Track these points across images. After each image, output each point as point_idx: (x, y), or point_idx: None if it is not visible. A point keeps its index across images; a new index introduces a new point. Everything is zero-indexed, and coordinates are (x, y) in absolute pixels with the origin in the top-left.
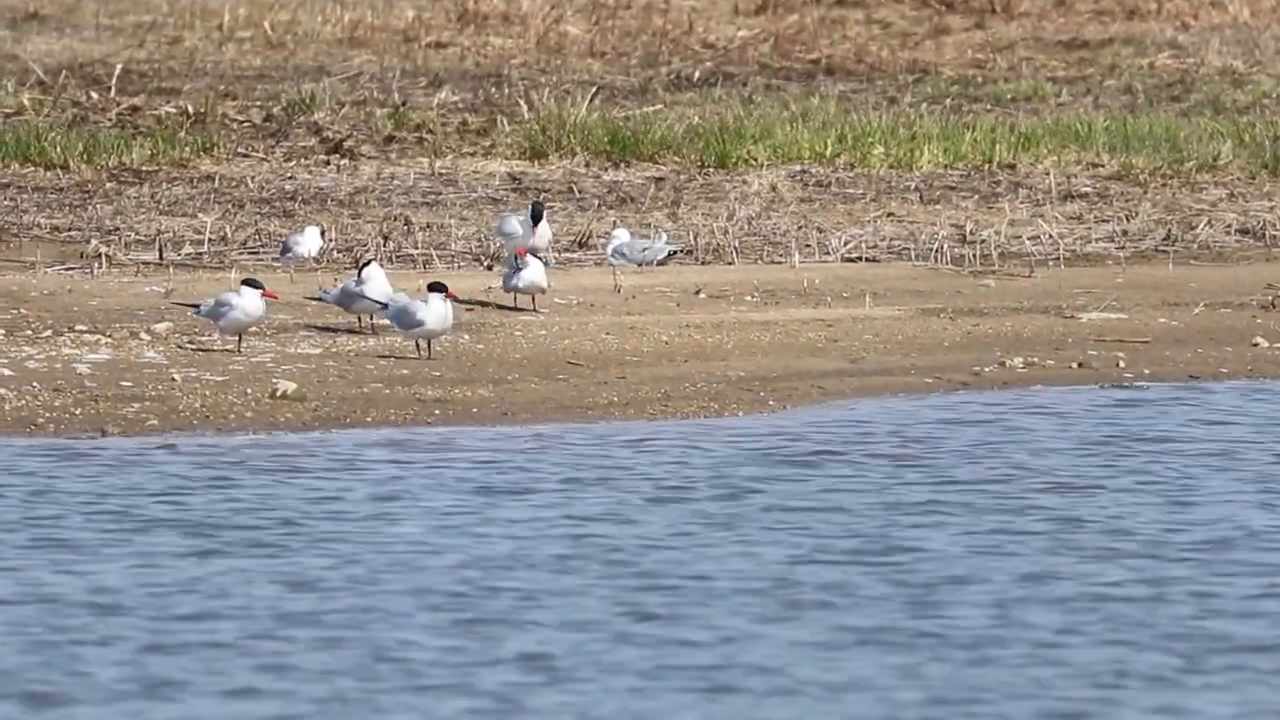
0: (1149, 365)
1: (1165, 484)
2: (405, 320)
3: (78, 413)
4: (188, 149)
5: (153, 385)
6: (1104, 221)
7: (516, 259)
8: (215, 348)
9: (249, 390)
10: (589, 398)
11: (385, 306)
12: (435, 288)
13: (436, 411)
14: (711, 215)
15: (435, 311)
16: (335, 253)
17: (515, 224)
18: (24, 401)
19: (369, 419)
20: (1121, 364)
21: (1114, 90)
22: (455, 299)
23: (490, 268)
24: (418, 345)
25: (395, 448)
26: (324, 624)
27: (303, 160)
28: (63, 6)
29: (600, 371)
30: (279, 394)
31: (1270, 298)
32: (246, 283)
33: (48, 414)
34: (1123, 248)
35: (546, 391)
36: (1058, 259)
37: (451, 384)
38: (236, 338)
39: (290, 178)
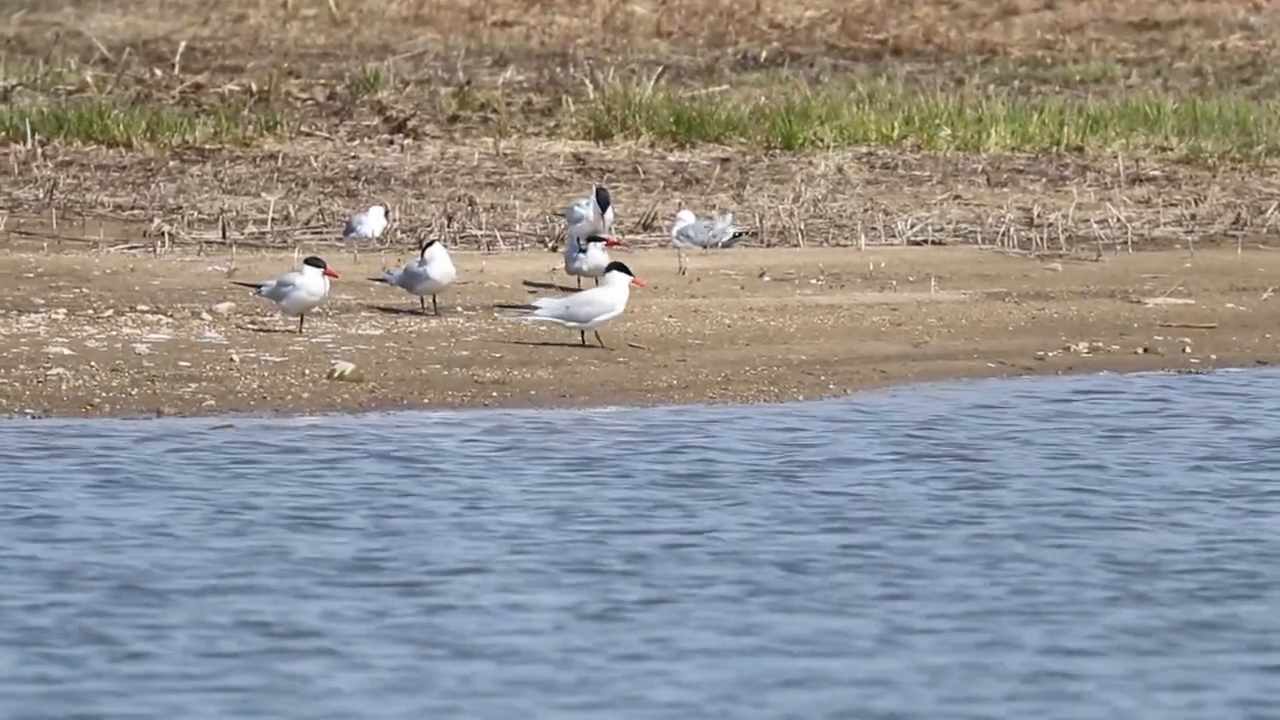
0: (1216, 351)
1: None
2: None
3: (134, 393)
4: (251, 127)
5: (211, 366)
6: (1172, 205)
7: (578, 241)
8: (276, 328)
9: (307, 371)
10: (648, 380)
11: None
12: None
13: (494, 393)
14: (777, 197)
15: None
16: (399, 233)
17: (581, 208)
18: (81, 381)
19: (426, 400)
20: (1188, 349)
21: (1184, 72)
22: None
23: (555, 249)
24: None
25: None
26: None
27: (366, 139)
28: None
29: (661, 354)
30: (336, 375)
31: None
32: (309, 261)
33: (104, 394)
34: (1191, 232)
35: (605, 374)
36: (1125, 243)
37: (511, 365)
38: (299, 318)
39: (354, 157)
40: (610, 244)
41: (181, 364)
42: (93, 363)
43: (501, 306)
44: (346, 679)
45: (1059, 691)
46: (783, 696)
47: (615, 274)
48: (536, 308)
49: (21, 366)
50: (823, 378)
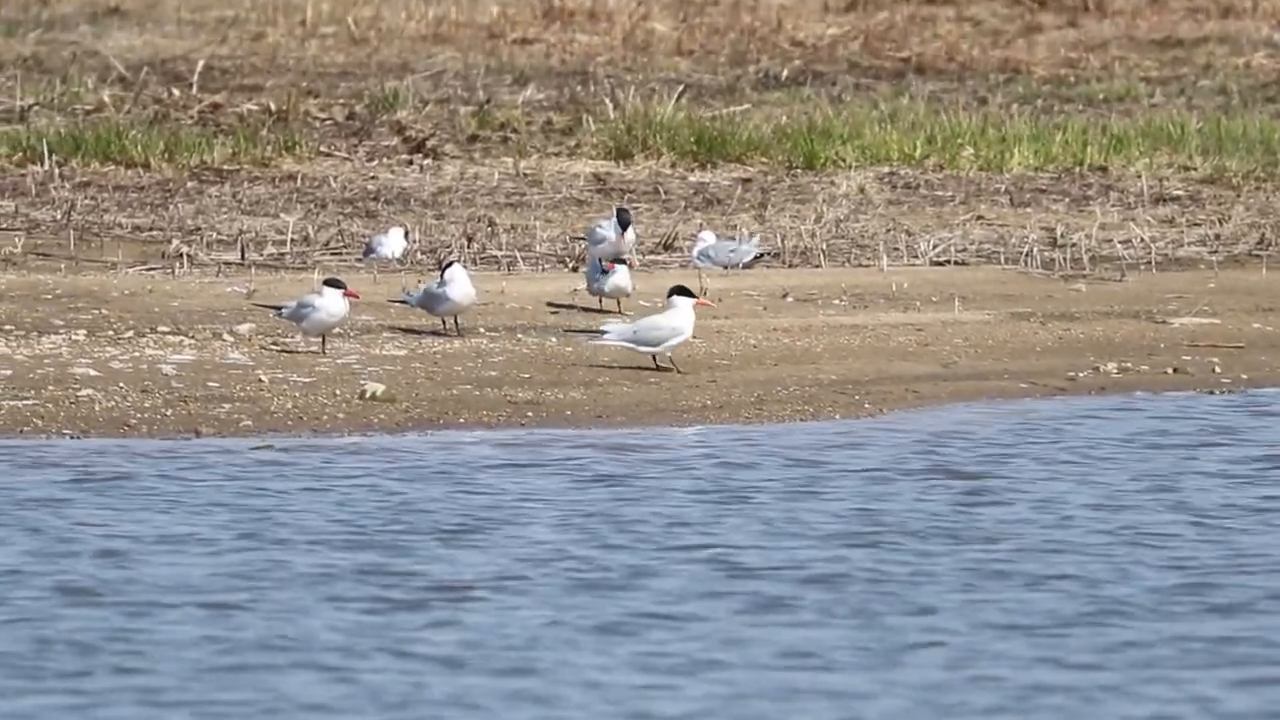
0: (1245, 370)
1: None
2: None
3: (169, 414)
4: (270, 147)
5: (240, 386)
6: (1196, 225)
7: (600, 262)
8: (299, 349)
9: (338, 391)
10: (682, 401)
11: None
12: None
13: (530, 413)
14: (799, 217)
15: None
16: (419, 254)
17: (603, 229)
18: (113, 402)
19: (462, 420)
20: (1217, 369)
21: (1208, 91)
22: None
23: (575, 269)
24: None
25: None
26: None
27: (386, 159)
28: (144, 2)
29: (690, 375)
30: (368, 395)
31: None
32: (328, 282)
33: (139, 415)
34: (1215, 252)
35: (639, 394)
36: (1149, 263)
37: (542, 386)
38: (320, 339)
39: (373, 177)
40: (610, 266)
41: (210, 384)
42: (121, 384)
43: (569, 331)
44: None
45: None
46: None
47: (679, 298)
48: (605, 332)
49: (50, 387)
50: (856, 397)
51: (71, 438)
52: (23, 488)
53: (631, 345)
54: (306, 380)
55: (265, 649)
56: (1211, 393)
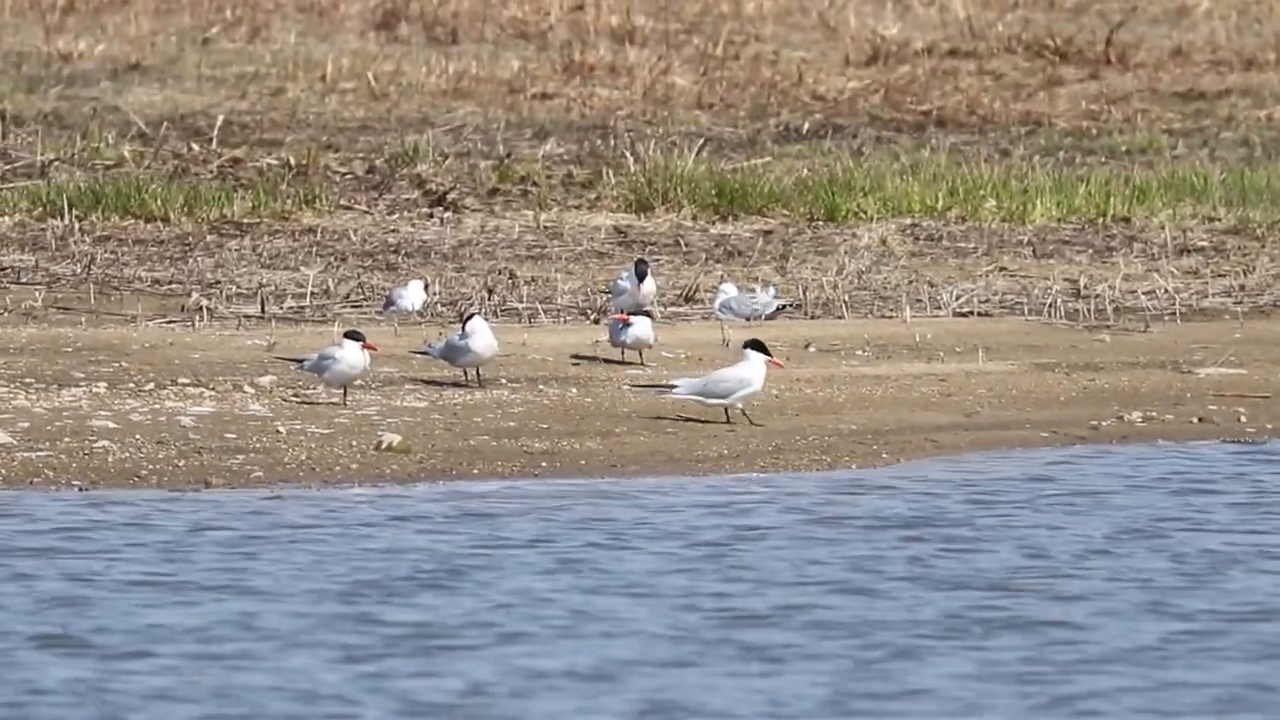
0: (1271, 420)
1: None
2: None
3: (181, 464)
4: (289, 201)
5: (257, 438)
6: (1220, 276)
7: (615, 311)
8: (320, 400)
9: (354, 442)
10: (698, 450)
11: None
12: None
13: (544, 463)
14: (821, 269)
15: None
16: (439, 306)
17: (623, 280)
18: (127, 454)
19: (475, 471)
20: (1243, 419)
21: (1231, 142)
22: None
23: (597, 321)
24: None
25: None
26: None
27: (406, 213)
28: (164, 57)
29: (709, 425)
30: (384, 446)
31: None
32: (349, 335)
33: (151, 465)
34: (1240, 302)
35: (655, 444)
36: (1174, 314)
37: (559, 436)
38: (342, 391)
39: (393, 230)
40: (621, 318)
41: (228, 436)
42: (138, 435)
43: (636, 385)
44: None
45: None
46: None
47: (751, 351)
48: (675, 385)
49: (66, 439)
50: (874, 447)
51: (80, 489)
52: None
53: (700, 398)
54: (324, 431)
55: None
56: (1236, 441)
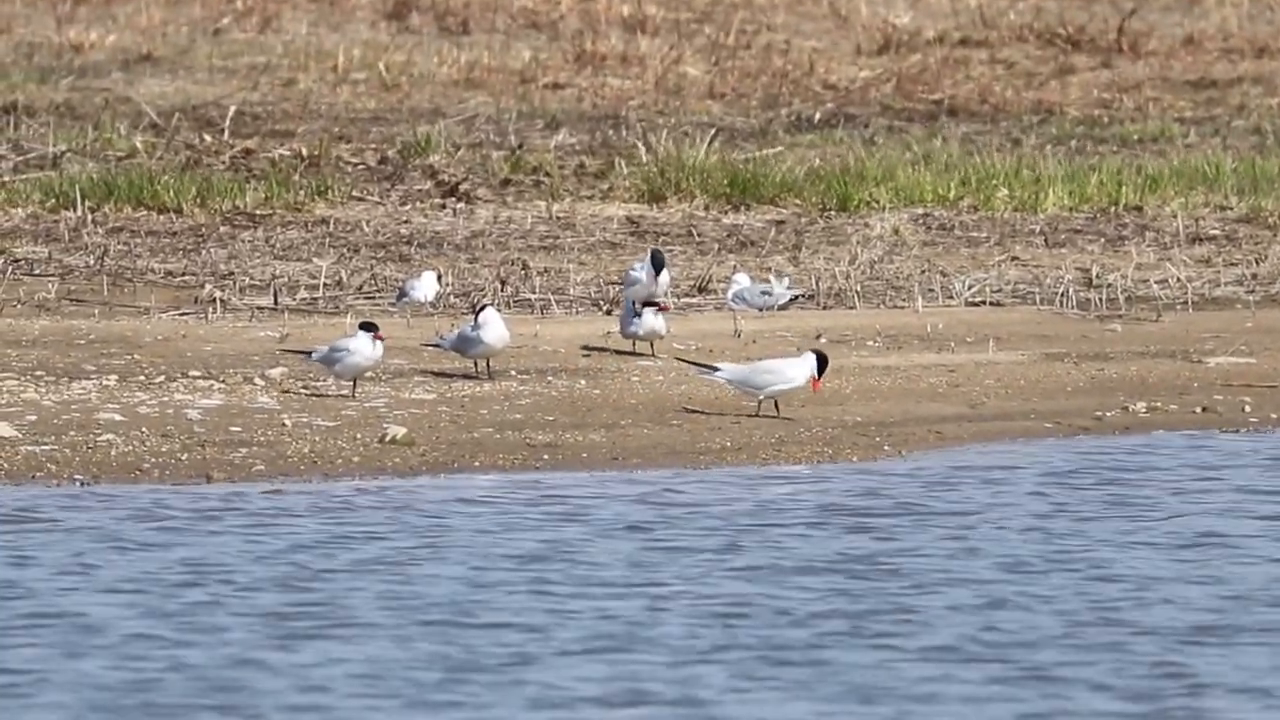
0: (1276, 410)
1: None
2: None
3: (184, 458)
4: (302, 192)
5: (262, 431)
6: (1233, 265)
7: (633, 305)
8: (329, 393)
9: (358, 435)
10: (701, 443)
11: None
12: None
13: (546, 456)
14: (833, 259)
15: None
16: (452, 298)
17: (637, 271)
18: (130, 447)
19: (477, 463)
20: (1247, 409)
21: (1242, 130)
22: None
23: (609, 312)
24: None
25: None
26: None
27: (418, 204)
28: (176, 49)
29: (715, 417)
30: (388, 439)
31: None
32: (363, 326)
33: (153, 459)
34: (1252, 291)
35: (659, 436)
36: (1185, 303)
37: (564, 428)
38: (352, 383)
39: (406, 221)
40: (663, 308)
41: (233, 429)
42: (143, 428)
43: (681, 360)
44: None
45: None
46: None
47: (809, 354)
48: (718, 368)
49: (72, 433)
50: (877, 439)
51: (81, 484)
52: None
53: (740, 385)
54: (330, 424)
55: None
56: (1236, 431)
